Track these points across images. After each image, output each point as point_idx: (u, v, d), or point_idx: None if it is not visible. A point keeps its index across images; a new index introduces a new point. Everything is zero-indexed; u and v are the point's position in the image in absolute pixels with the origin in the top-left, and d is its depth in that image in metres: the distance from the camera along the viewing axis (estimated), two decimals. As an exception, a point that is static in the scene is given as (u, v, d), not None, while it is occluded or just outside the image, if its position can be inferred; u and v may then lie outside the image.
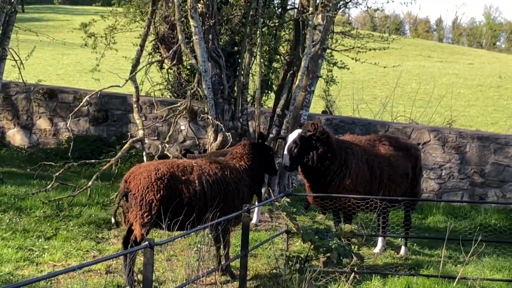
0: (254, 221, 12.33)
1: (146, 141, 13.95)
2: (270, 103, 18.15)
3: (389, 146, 11.21)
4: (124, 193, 9.10)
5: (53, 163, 13.56)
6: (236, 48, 16.03)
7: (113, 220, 9.40)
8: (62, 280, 9.26)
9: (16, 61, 14.78)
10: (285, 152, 10.55)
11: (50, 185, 12.60)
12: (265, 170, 10.26)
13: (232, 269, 9.76)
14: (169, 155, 12.29)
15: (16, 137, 17.85)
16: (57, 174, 12.65)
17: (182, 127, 16.54)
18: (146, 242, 6.71)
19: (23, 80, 15.62)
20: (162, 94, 18.49)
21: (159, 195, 8.91)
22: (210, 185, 9.28)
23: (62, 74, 31.45)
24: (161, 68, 18.24)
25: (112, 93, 16.80)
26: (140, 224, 8.94)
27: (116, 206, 9.36)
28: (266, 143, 10.49)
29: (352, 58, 16.80)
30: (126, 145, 12.83)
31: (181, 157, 10.90)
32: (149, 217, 8.90)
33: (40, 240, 10.75)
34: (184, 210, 8.96)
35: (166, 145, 13.02)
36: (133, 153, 15.81)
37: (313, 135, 10.42)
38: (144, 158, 12.71)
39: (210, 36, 13.51)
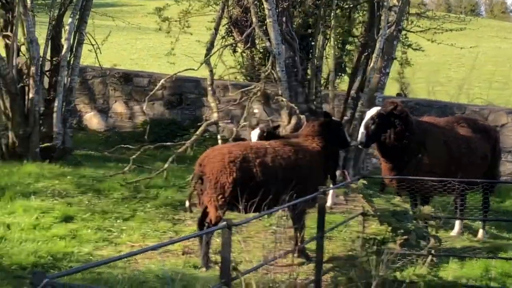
0: (329, 204, 12.23)
1: (220, 124, 13.98)
2: (343, 86, 18.01)
3: (468, 128, 11.05)
4: (198, 176, 9.18)
5: (130, 146, 13.74)
6: (309, 31, 15.93)
7: (187, 204, 9.48)
8: (140, 260, 9.41)
9: (93, 45, 14.95)
10: (362, 128, 10.46)
11: (127, 168, 12.78)
12: (339, 146, 10.22)
13: (307, 251, 9.75)
14: (259, 128, 12.17)
15: (93, 120, 18.14)
16: (134, 156, 12.83)
17: (256, 110, 16.55)
18: (224, 223, 6.74)
19: (99, 65, 15.81)
20: (235, 78, 18.53)
21: (232, 177, 8.96)
22: (283, 168, 9.27)
23: (136, 59, 31.77)
24: (234, 51, 18.26)
25: (185, 77, 16.91)
26: (214, 207, 9.01)
27: (191, 190, 9.45)
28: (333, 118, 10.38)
29: (428, 40, 16.57)
30: (202, 128, 12.92)
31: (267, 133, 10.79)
32: (223, 199, 8.96)
33: (118, 221, 10.92)
34: (258, 192, 8.97)
35: (247, 127, 13.02)
36: (207, 136, 15.89)
37: (392, 111, 10.32)
38: (219, 141, 12.77)
39: (284, 19, 13.48)
